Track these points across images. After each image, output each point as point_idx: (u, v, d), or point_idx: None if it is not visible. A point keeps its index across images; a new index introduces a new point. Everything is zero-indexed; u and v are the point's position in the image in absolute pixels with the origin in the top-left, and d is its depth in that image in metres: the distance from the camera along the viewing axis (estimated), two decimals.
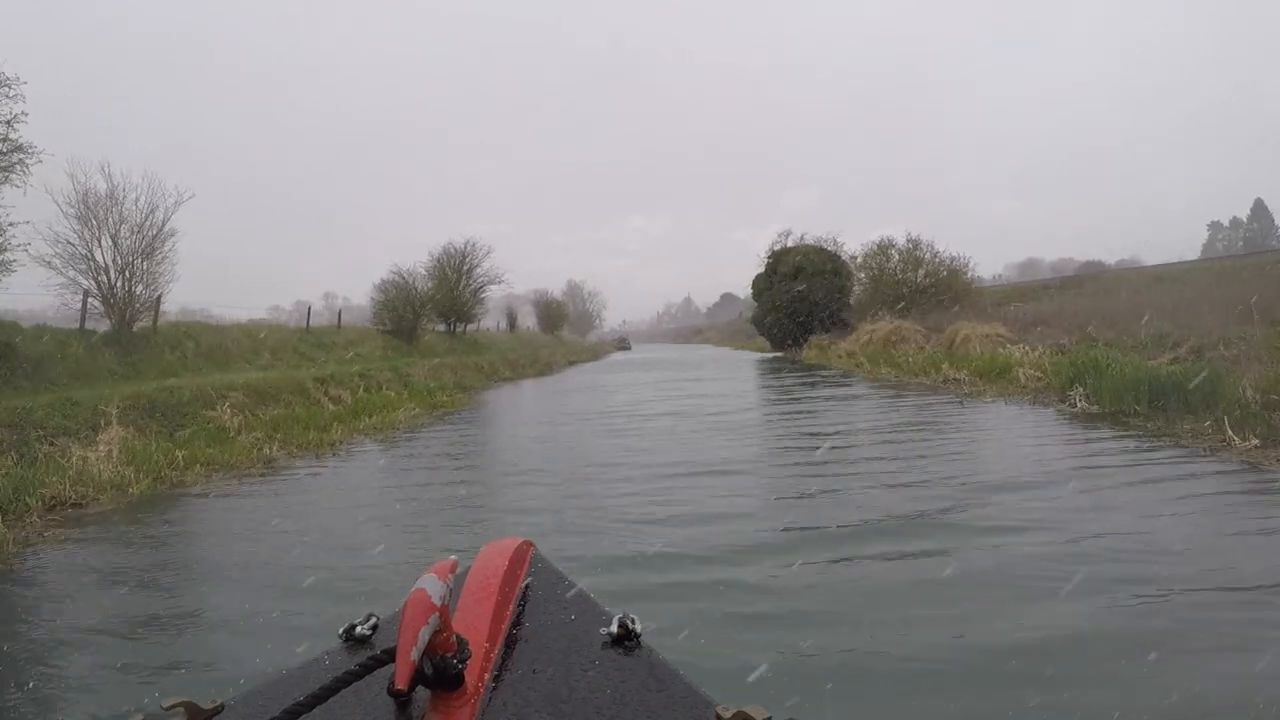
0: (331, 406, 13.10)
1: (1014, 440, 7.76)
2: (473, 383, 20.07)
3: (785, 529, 4.93)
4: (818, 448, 7.89)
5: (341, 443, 9.63)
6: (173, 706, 0.77)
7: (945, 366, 14.19)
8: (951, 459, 6.99)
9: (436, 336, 27.92)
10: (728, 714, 0.72)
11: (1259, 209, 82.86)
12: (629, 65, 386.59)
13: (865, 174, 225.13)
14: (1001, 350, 15.50)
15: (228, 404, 10.82)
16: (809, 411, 11.87)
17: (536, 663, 0.84)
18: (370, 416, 11.77)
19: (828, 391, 15.20)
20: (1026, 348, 14.86)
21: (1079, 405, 9.38)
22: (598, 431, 10.60)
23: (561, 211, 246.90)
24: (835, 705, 2.69)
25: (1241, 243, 76.16)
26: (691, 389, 17.57)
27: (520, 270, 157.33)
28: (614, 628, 0.88)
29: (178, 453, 8.59)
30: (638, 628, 0.88)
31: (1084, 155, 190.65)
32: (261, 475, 7.81)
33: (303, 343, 20.68)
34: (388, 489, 6.77)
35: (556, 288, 65.55)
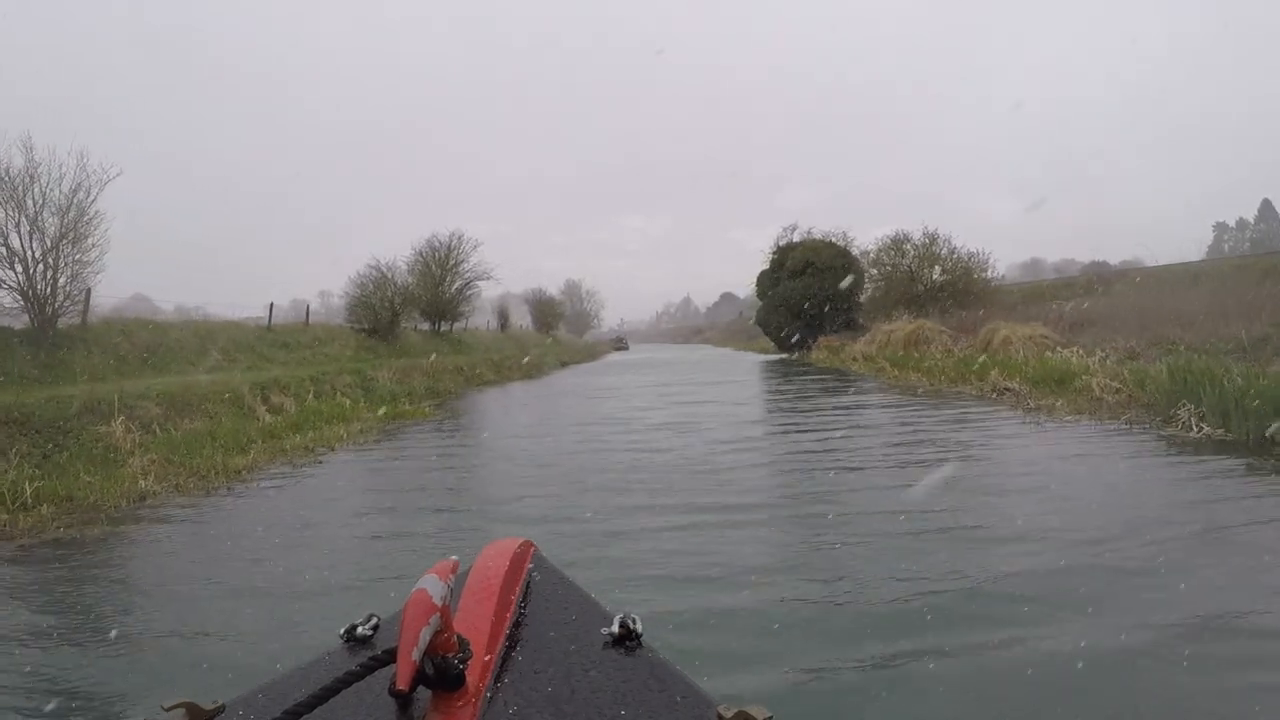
0: (268, 418, 11.04)
1: (1141, 486, 5.58)
2: (449, 387, 17.97)
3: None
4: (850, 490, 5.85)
5: (252, 469, 7.57)
6: (173, 707, 0.76)
7: (994, 374, 12.10)
8: (1073, 511, 4.94)
9: (419, 336, 25.85)
10: (729, 714, 0.71)
11: (1266, 209, 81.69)
12: (627, 65, 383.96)
13: (864, 175, 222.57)
14: (1050, 354, 13.49)
15: (122, 419, 8.74)
16: (834, 426, 9.82)
17: (537, 663, 0.83)
18: (309, 432, 9.72)
19: (850, 400, 13.17)
20: (1080, 350, 12.87)
21: (1197, 429, 7.30)
22: (577, 451, 8.60)
23: (561, 212, 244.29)
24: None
25: (1248, 243, 74.73)
26: (693, 395, 15.52)
27: (519, 270, 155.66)
28: (615, 628, 0.87)
29: (27, 485, 6.57)
30: (639, 628, 0.87)
31: (1082, 156, 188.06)
32: (115, 524, 5.75)
33: (262, 342, 18.59)
34: (263, 554, 4.72)
35: (555, 287, 63.49)
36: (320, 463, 7.86)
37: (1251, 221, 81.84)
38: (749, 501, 5.70)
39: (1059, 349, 13.48)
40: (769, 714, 0.69)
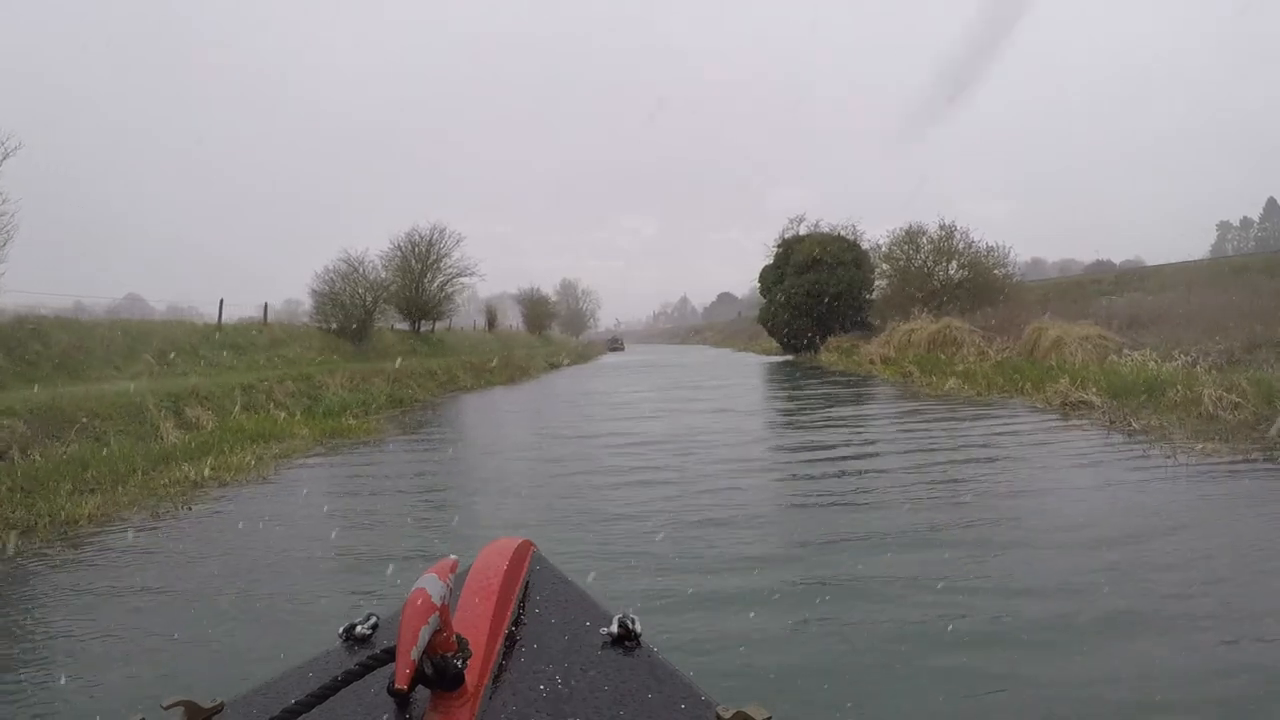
0: (174, 437, 8.97)
1: None
2: (417, 394, 15.88)
3: None
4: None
5: (96, 518, 5.48)
6: (172, 705, 0.75)
7: (1064, 382, 10.03)
8: None
9: (395, 336, 23.75)
10: (728, 714, 0.70)
11: (1271, 208, 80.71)
12: (625, 65, 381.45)
13: (862, 175, 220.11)
14: (1115, 357, 11.49)
15: None
16: (879, 453, 7.80)
17: (537, 662, 0.81)
18: (209, 458, 7.66)
19: (884, 412, 11.17)
20: (1153, 354, 10.86)
21: None
22: (548, 479, 6.62)
23: (559, 212, 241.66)
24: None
25: (1253, 242, 73.56)
26: (692, 403, 13.49)
27: (515, 270, 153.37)
28: (614, 627, 0.85)
29: None
30: (638, 628, 0.85)
31: (1081, 157, 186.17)
32: None
33: (207, 343, 16.48)
34: None
35: (551, 287, 61.45)
36: (190, 511, 5.76)
37: (1256, 220, 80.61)
38: (773, 583, 3.68)
39: (1124, 351, 11.49)
40: (768, 714, 0.69)
